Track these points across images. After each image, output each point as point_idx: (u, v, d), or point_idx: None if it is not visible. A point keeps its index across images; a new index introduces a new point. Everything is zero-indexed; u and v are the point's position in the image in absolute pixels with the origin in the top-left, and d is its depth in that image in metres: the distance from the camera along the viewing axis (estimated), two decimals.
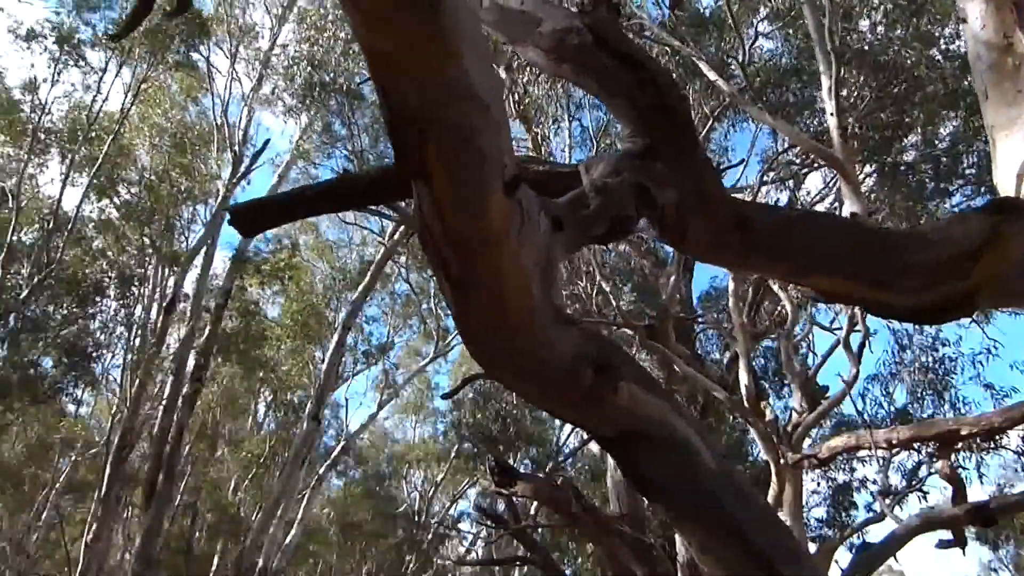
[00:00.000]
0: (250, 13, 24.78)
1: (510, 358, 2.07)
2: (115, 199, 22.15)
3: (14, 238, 19.29)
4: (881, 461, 14.34)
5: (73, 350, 20.86)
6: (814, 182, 16.07)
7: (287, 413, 27.70)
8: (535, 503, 12.54)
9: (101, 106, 20.73)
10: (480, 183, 1.70)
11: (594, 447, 17.70)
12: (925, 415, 14.42)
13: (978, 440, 11.21)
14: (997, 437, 10.31)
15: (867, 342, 10.90)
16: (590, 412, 2.21)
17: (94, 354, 21.84)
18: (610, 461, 11.86)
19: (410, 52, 1.52)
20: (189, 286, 22.88)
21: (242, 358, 23.88)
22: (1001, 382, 23.60)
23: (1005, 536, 22.95)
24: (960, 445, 11.57)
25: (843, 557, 14.35)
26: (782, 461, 9.34)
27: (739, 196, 15.37)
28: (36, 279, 19.07)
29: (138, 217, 21.79)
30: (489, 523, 10.59)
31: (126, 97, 20.60)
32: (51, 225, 19.62)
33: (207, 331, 22.03)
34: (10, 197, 19.67)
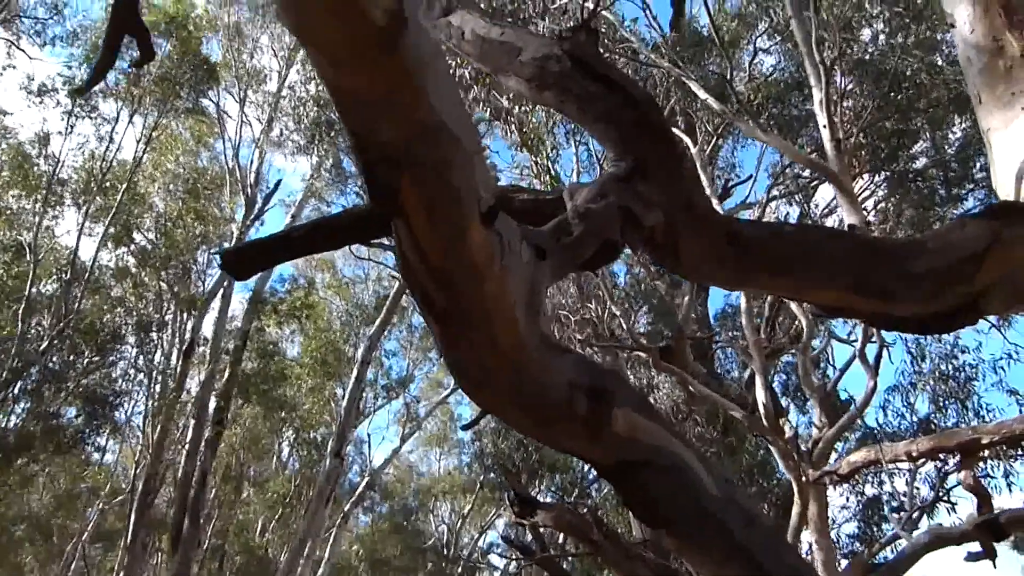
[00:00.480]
0: (258, 57, 25.09)
1: (501, 391, 2.03)
2: (131, 246, 22.32)
3: (33, 290, 19.45)
4: (908, 473, 14.15)
5: (94, 399, 20.96)
6: (824, 195, 16.01)
7: (310, 451, 27.68)
8: (560, 532, 12.42)
9: (114, 155, 20.98)
10: (457, 217, 1.68)
11: None
12: (949, 424, 14.22)
13: (1003, 448, 11.05)
14: (1022, 444, 10.14)
15: (884, 353, 10.81)
16: (588, 442, 2.16)
17: (115, 402, 21.93)
18: None
19: (375, 92, 1.51)
20: (207, 329, 23.02)
21: (263, 398, 23.91)
22: None
23: None
24: (986, 454, 11.43)
25: None
26: (804, 478, 9.22)
27: (749, 212, 15.39)
28: (56, 330, 19.19)
29: (154, 263, 21.95)
30: (516, 554, 10.48)
31: (138, 145, 20.82)
32: (68, 275, 19.77)
33: (227, 373, 22.12)
34: (27, 250, 19.86)
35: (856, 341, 11.96)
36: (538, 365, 1.98)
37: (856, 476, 10.95)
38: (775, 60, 15.70)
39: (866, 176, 14.56)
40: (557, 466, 20.77)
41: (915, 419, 14.90)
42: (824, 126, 8.50)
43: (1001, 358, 14.61)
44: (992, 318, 12.22)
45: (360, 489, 27.80)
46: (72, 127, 20.37)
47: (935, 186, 14.42)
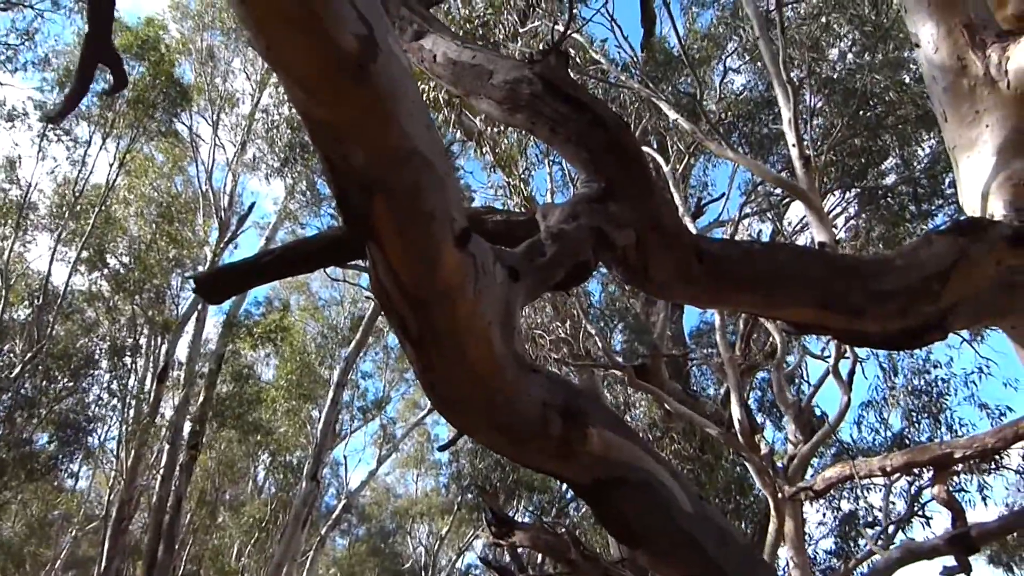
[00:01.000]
0: (230, 81, 25.04)
1: (478, 412, 2.04)
2: (104, 271, 22.13)
3: (5, 315, 19.23)
4: (883, 489, 14.23)
5: (68, 424, 20.71)
6: (796, 212, 16.18)
7: (286, 475, 27.46)
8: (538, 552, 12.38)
9: (87, 179, 20.83)
10: (430, 239, 1.69)
11: None
12: (922, 439, 14.34)
13: (976, 462, 11.14)
14: (995, 458, 10.24)
15: (857, 368, 10.90)
16: (563, 461, 2.17)
17: (89, 427, 21.68)
18: None
19: (346, 118, 1.52)
20: (182, 353, 22.84)
21: (238, 422, 23.72)
22: (996, 401, 23.57)
23: (1020, 557, 22.63)
24: (960, 468, 11.52)
25: None
26: (779, 495, 9.25)
27: (722, 229, 15.48)
28: (28, 355, 18.96)
29: (128, 288, 21.76)
30: (495, 575, 10.43)
31: (111, 169, 20.69)
32: (41, 301, 19.57)
33: (201, 397, 21.95)
34: None
35: (830, 357, 12.05)
36: (513, 386, 1.98)
37: (832, 492, 11.02)
38: (745, 79, 15.90)
39: (836, 193, 14.72)
40: (535, 486, 20.72)
41: (889, 434, 15.02)
42: (793, 144, 8.58)
43: (972, 372, 14.79)
44: (964, 332, 12.36)
45: (337, 512, 27.61)
46: (44, 152, 20.20)
47: (905, 202, 14.58)
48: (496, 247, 1.96)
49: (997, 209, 3.18)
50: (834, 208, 14.49)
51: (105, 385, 22.59)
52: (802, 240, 15.21)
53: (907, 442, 14.31)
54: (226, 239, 22.66)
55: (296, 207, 24.20)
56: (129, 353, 22.75)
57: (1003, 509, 16.46)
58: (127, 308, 22.51)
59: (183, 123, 22.94)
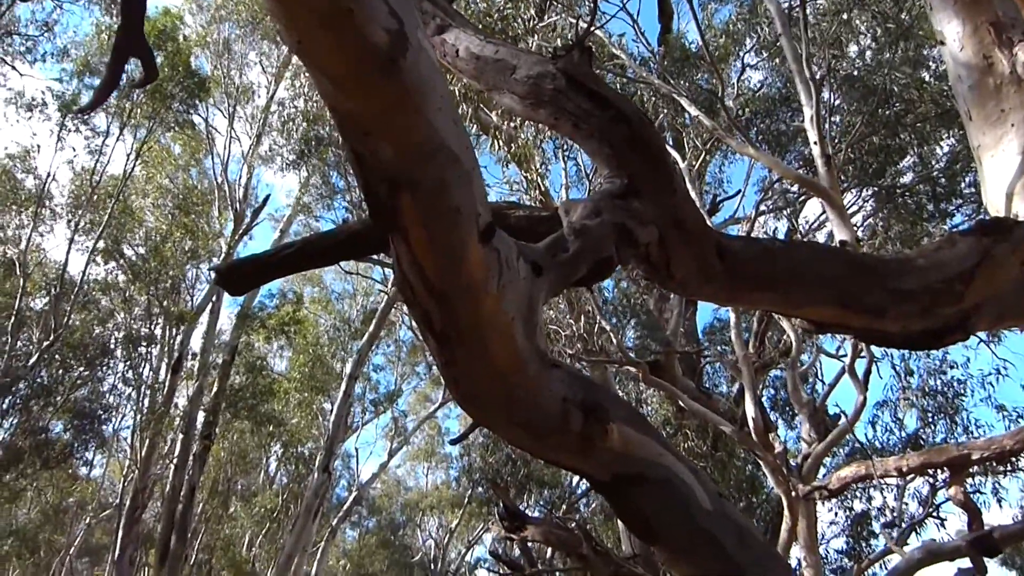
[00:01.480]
0: (247, 73, 25.10)
1: (499, 407, 2.04)
2: (121, 261, 22.24)
3: (22, 304, 19.35)
4: (896, 489, 14.18)
5: (83, 413, 20.85)
6: (812, 209, 16.14)
7: (298, 466, 27.56)
8: (549, 547, 12.39)
9: (104, 169, 20.92)
10: (456, 234, 1.69)
11: None
12: (937, 440, 14.27)
13: (992, 464, 11.07)
14: (1011, 460, 10.19)
15: (873, 368, 10.85)
16: (583, 456, 2.17)
17: (104, 416, 21.81)
18: None
19: (376, 111, 1.52)
20: (196, 344, 22.92)
21: (251, 413, 23.81)
22: (1014, 403, 23.44)
23: None
24: (975, 469, 11.46)
25: None
26: (793, 494, 9.22)
27: (737, 226, 15.42)
28: (45, 344, 19.08)
29: (144, 278, 21.86)
30: (504, 569, 10.44)
31: (128, 159, 20.77)
32: (58, 290, 19.68)
33: (215, 388, 22.05)
34: (17, 265, 19.77)
35: (845, 356, 12.01)
36: (534, 381, 1.99)
37: (846, 491, 10.97)
38: (762, 76, 15.83)
39: (853, 191, 14.65)
40: (545, 481, 20.74)
41: (904, 434, 14.95)
42: (815, 142, 8.52)
43: (990, 374, 14.69)
44: (982, 334, 12.28)
45: (348, 504, 27.72)
46: (63, 142, 20.30)
47: (923, 201, 14.50)
48: (519, 242, 1.96)
49: (1022, 209, 3.16)
50: (851, 206, 14.42)
51: (120, 375, 22.74)
52: (819, 238, 15.16)
53: (922, 443, 14.25)
54: (241, 231, 22.73)
55: (310, 200, 24.26)
56: (144, 343, 22.87)
57: (1017, 511, 16.38)
58: (143, 298, 22.61)
59: (199, 115, 23.01)
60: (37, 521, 26.67)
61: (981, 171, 3.42)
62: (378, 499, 35.17)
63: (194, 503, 22.04)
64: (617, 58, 13.18)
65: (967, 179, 14.14)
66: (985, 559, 6.88)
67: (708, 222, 2.56)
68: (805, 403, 11.71)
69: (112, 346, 22.13)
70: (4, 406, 18.84)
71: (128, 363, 22.52)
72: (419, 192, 1.62)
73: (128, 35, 1.95)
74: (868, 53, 14.34)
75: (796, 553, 9.92)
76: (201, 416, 21.86)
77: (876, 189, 14.58)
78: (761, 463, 10.35)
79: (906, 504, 14.64)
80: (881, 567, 13.63)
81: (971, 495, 8.08)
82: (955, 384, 14.88)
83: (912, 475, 10.43)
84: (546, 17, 12.06)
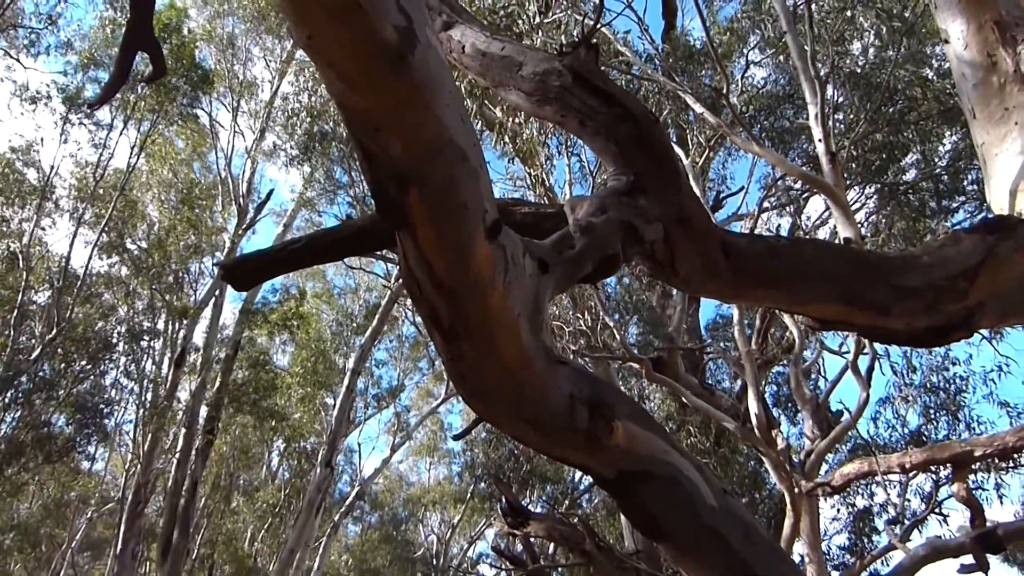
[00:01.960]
0: (250, 68, 25.10)
1: (505, 403, 2.05)
2: (124, 255, 22.26)
3: (25, 298, 19.38)
4: (899, 485, 14.18)
5: (85, 407, 20.87)
6: (815, 206, 16.10)
7: (300, 461, 27.60)
8: (552, 542, 12.41)
9: (108, 163, 20.92)
10: (463, 231, 1.70)
11: None
12: (939, 436, 14.28)
13: (995, 460, 11.08)
14: (1014, 456, 10.19)
15: (876, 365, 10.84)
16: (588, 453, 2.18)
17: (106, 410, 21.84)
18: None
19: (386, 107, 1.53)
20: (199, 338, 22.94)
21: (254, 408, 23.85)
22: (1016, 399, 23.42)
23: None
24: (978, 466, 11.47)
25: None
26: (796, 490, 9.22)
27: (740, 223, 15.41)
28: (47, 338, 19.11)
29: (147, 272, 21.88)
30: (506, 565, 10.46)
31: (132, 152, 20.78)
32: (61, 284, 19.70)
33: (218, 383, 22.07)
34: (20, 258, 19.79)
35: (848, 353, 12.00)
36: (541, 378, 2.00)
37: (848, 488, 10.98)
38: (767, 73, 15.82)
39: (856, 189, 14.64)
40: (548, 476, 20.75)
41: (906, 431, 14.95)
42: (819, 139, 8.51)
43: (992, 370, 14.70)
44: (984, 331, 12.28)
45: (350, 499, 27.72)
46: (67, 135, 20.27)
47: (926, 198, 14.50)
48: (525, 239, 1.97)
49: None
50: (854, 203, 14.41)
51: (123, 369, 22.76)
52: (821, 235, 15.15)
53: (924, 439, 14.26)
54: (244, 226, 22.76)
55: (314, 195, 24.26)
56: (147, 337, 22.89)
57: (1020, 508, 16.40)
58: (145, 293, 22.64)
59: (203, 109, 23.03)
60: (39, 515, 26.74)
61: (985, 169, 3.42)
62: (380, 494, 35.20)
63: (196, 498, 22.08)
64: (623, 55, 13.16)
65: (970, 176, 14.14)
66: (988, 556, 6.90)
67: (712, 219, 2.56)
68: (808, 399, 11.71)
69: (114, 340, 22.15)
70: (6, 400, 18.88)
71: (130, 357, 22.54)
72: (427, 188, 1.63)
73: (137, 30, 1.96)
74: (872, 50, 14.32)
75: (799, 549, 9.94)
76: (204, 411, 21.89)
77: (879, 186, 14.57)
78: (764, 459, 10.35)
79: (909, 501, 14.65)
80: (884, 564, 13.63)
81: (974, 491, 8.08)
82: (958, 381, 14.90)
83: (915, 471, 10.44)
84: (551, 14, 12.06)
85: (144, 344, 22.77)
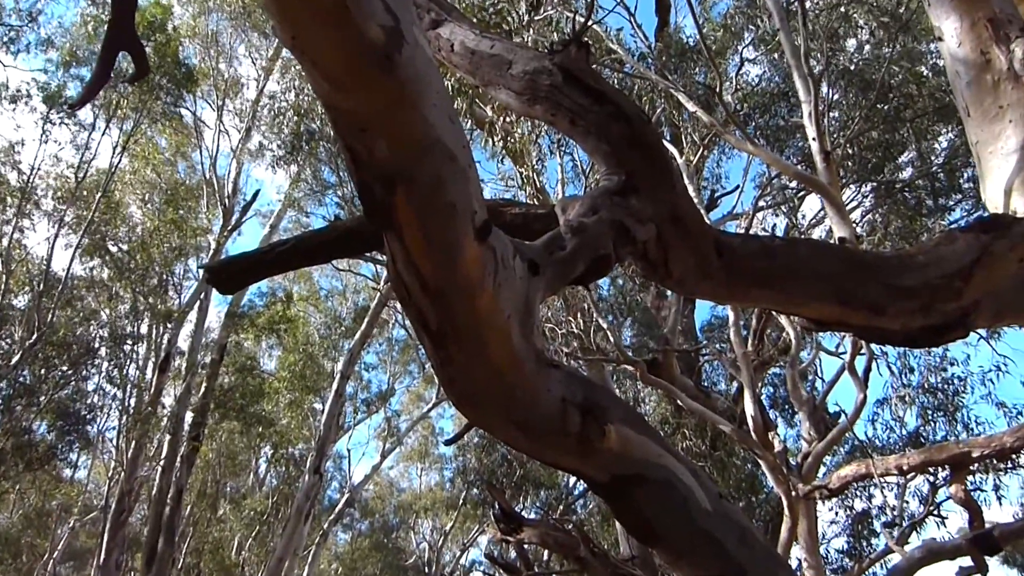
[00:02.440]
0: (236, 66, 25.06)
1: (496, 407, 2.05)
2: (106, 257, 22.18)
3: (4, 302, 19.31)
4: (897, 487, 14.24)
5: (67, 413, 20.80)
6: (811, 206, 16.15)
7: (288, 468, 27.55)
8: (546, 549, 12.42)
9: (90, 163, 20.85)
10: (452, 232, 1.71)
11: None
12: (938, 437, 14.34)
13: (993, 461, 11.13)
14: (1012, 457, 10.25)
15: (873, 366, 10.89)
16: (581, 457, 2.19)
17: (88, 416, 21.77)
18: None
19: (371, 109, 1.54)
20: (183, 343, 22.88)
21: (240, 414, 23.79)
22: (1014, 399, 23.54)
23: None
24: (976, 467, 11.53)
25: None
26: (793, 493, 9.26)
27: (735, 223, 15.46)
28: (28, 343, 19.03)
29: (130, 275, 21.81)
30: (500, 572, 10.47)
31: (115, 153, 20.71)
32: (41, 287, 19.63)
33: (203, 388, 22.02)
34: None
35: (845, 354, 12.05)
36: (532, 381, 2.00)
37: (846, 490, 11.02)
38: (761, 70, 15.87)
39: (852, 187, 14.71)
40: (542, 482, 20.76)
41: (904, 432, 15.01)
42: (813, 138, 8.55)
43: (990, 370, 14.76)
44: (981, 330, 12.34)
45: (340, 506, 27.70)
46: (48, 134, 20.20)
47: (922, 196, 14.57)
48: (515, 240, 1.98)
49: (1020, 205, 3.19)
50: (850, 202, 14.48)
51: (105, 374, 22.68)
52: (816, 234, 15.20)
53: (922, 440, 14.32)
54: (229, 227, 22.72)
55: (300, 195, 24.24)
56: (130, 342, 22.82)
57: (1017, 508, 16.47)
58: (128, 296, 22.56)
59: (187, 108, 22.97)
60: (20, 525, 26.61)
61: (980, 167, 3.44)
62: (371, 501, 35.17)
63: (182, 506, 22.02)
64: (614, 53, 13.19)
65: (966, 174, 14.21)
66: (986, 557, 6.94)
67: (706, 219, 2.58)
68: (805, 401, 11.76)
69: (97, 345, 22.08)
70: None
71: (113, 362, 22.47)
72: (414, 189, 1.63)
73: (119, 29, 1.96)
74: (867, 47, 14.39)
75: (797, 554, 9.97)
76: (189, 417, 21.84)
77: (875, 185, 14.64)
78: (760, 462, 10.38)
79: (907, 503, 14.72)
80: (882, 566, 13.70)
81: (972, 493, 8.13)
82: (955, 381, 14.97)
83: (913, 473, 10.49)
84: (542, 11, 12.08)
85: (127, 349, 22.71)
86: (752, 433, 9.91)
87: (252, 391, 24.03)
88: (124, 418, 21.88)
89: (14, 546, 25.97)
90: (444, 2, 3.07)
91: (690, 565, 2.24)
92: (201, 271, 22.37)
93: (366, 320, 22.72)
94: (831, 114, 12.63)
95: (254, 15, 23.25)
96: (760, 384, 13.35)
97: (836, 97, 13.43)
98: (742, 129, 10.24)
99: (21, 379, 19.79)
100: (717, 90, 9.28)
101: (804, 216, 16.11)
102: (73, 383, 21.51)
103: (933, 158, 15.03)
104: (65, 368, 20.91)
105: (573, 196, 2.46)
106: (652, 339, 16.32)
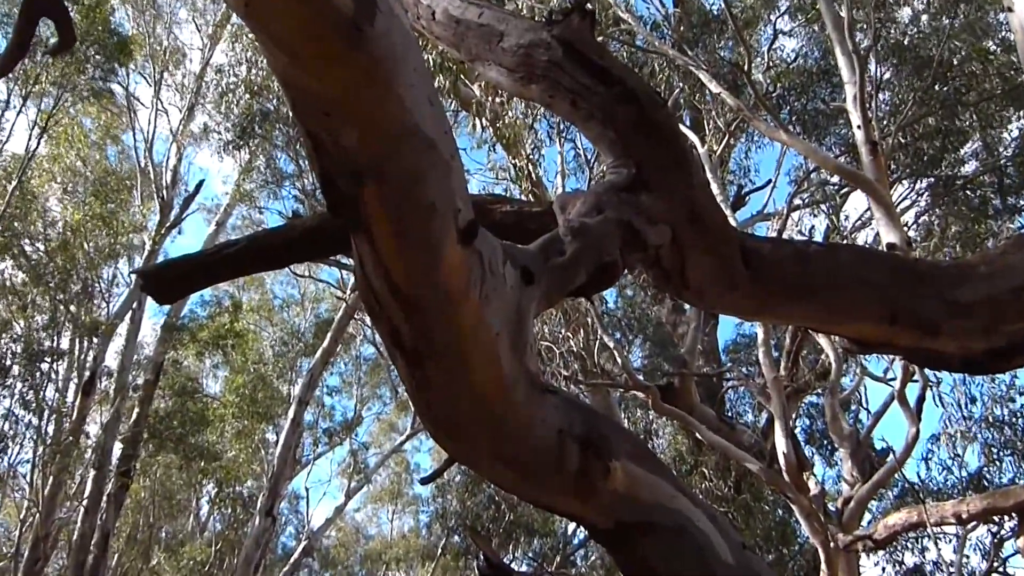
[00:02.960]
0: (177, 33, 25.03)
1: (480, 440, 2.05)
2: (20, 259, 22.09)
3: None
4: (955, 539, 14.24)
5: None
6: (856, 204, 16.16)
7: (235, 509, 27.44)
8: None
9: (2, 147, 20.79)
10: (430, 233, 1.71)
11: None
12: (1003, 481, 14.33)
13: None
14: None
15: (928, 394, 10.90)
16: (581, 500, 2.19)
17: None
18: None
19: (338, 88, 1.54)
20: (112, 360, 22.80)
21: (179, 445, 23.67)
22: None
23: None
24: None
25: None
26: (832, 544, 9.26)
27: (766, 224, 15.49)
28: None
29: (48, 280, 21.72)
30: None
31: (31, 136, 20.65)
32: None
33: (135, 414, 21.93)
34: None
35: (895, 380, 12.06)
36: (524, 410, 2.00)
37: (895, 541, 11.02)
38: (797, 44, 15.90)
39: (905, 183, 14.73)
40: (536, 528, 20.71)
41: (964, 473, 15.01)
42: (858, 126, 8.57)
43: None
44: None
45: (296, 555, 27.60)
46: None
47: (987, 195, 14.58)
48: (506, 243, 1.97)
49: None
50: (902, 201, 14.51)
51: (18, 397, 22.56)
52: (862, 238, 15.22)
53: (985, 484, 14.31)
54: (168, 224, 22.66)
55: (253, 187, 24.19)
56: (48, 359, 22.70)
57: None
58: (47, 304, 22.47)
59: (119, 83, 22.92)
60: None
61: None
62: (333, 549, 35.06)
63: (108, 554, 21.93)
64: (624, 23, 13.22)
65: None
66: None
67: (731, 219, 2.57)
68: (847, 436, 11.76)
69: (8, 362, 21.97)
70: None
71: (28, 383, 22.35)
72: (387, 183, 1.63)
73: None
74: (923, 18, 14.44)
75: None
76: (118, 448, 21.74)
77: (931, 181, 14.66)
78: (794, 508, 10.39)
79: (967, 557, 14.71)
80: None
81: None
82: None
83: (974, 522, 10.50)
84: None
85: (45, 367, 22.59)
86: (784, 473, 9.92)
87: (193, 418, 23.93)
88: (40, 449, 21.76)
89: None
90: None
91: None
92: (133, 276, 22.32)
93: (329, 335, 22.69)
94: (880, 97, 12.67)
95: None
96: (794, 415, 13.36)
97: (886, 77, 13.47)
98: (774, 114, 10.27)
99: None
100: (745, 68, 9.29)
101: (847, 217, 16.13)
102: None
103: (1001, 149, 15.06)
104: None
105: (574, 191, 2.47)
106: (667, 361, 16.33)
